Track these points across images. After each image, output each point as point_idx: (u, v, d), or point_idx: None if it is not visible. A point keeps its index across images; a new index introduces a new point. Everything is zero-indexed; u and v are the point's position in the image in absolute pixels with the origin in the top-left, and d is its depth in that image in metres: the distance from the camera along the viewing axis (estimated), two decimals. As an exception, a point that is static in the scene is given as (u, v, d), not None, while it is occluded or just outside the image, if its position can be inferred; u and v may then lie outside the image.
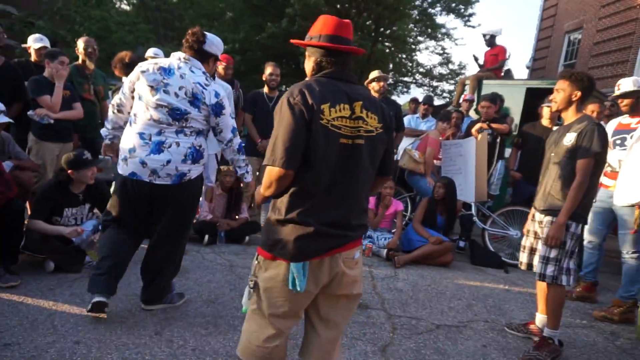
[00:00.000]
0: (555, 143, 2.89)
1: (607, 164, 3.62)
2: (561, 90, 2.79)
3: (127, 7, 16.92)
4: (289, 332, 1.75)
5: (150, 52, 4.90)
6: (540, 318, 3.02)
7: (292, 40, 1.96)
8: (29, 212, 3.33)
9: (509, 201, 5.71)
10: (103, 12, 13.21)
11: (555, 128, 4.75)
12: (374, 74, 5.22)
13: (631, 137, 3.48)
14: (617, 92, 3.62)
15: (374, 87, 5.21)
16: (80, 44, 4.57)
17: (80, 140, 4.45)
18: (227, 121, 2.65)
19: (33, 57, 4.73)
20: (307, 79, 1.70)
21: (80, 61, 4.59)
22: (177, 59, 2.60)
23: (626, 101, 3.59)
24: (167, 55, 3.21)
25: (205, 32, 2.67)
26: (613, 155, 3.63)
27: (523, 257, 3.04)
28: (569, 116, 2.84)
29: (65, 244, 3.21)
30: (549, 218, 2.80)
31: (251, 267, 1.74)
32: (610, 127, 3.80)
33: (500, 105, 6.10)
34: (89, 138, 4.63)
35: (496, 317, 3.32)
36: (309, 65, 1.76)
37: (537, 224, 2.92)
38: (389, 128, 1.77)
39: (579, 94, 2.74)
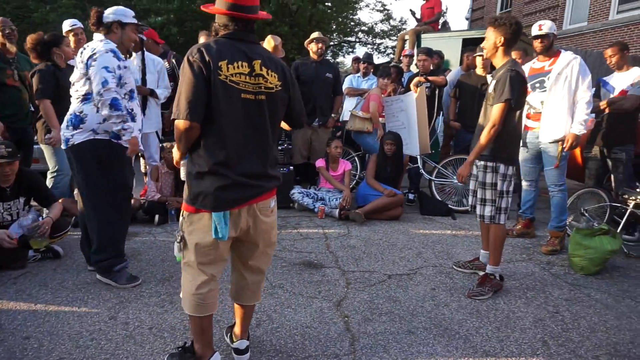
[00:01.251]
0: (487, 91, 3.01)
1: (529, 107, 3.83)
2: (488, 38, 2.88)
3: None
4: (219, 276, 1.95)
5: (66, 24, 4.56)
6: (483, 254, 3.26)
7: (202, 7, 2.01)
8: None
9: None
10: (18, -11, 12.13)
11: (489, 76, 4.93)
12: (313, 35, 5.17)
13: (548, 79, 3.67)
14: (538, 32, 3.73)
15: (312, 49, 5.17)
16: None
17: (8, 131, 4.18)
18: (96, 73, 2.64)
19: None
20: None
21: None
22: None
23: (545, 42, 3.72)
24: (88, 30, 3.12)
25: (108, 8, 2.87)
26: (535, 98, 3.81)
27: (470, 200, 3.23)
28: (497, 62, 2.94)
29: None
30: (480, 162, 2.99)
31: (179, 225, 1.90)
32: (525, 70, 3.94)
33: (440, 61, 6.22)
34: (19, 129, 4.35)
35: (444, 262, 3.52)
36: (215, 26, 1.86)
37: (476, 167, 3.08)
38: (289, 86, 1.92)
39: (502, 39, 2.82)
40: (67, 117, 2.78)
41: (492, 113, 2.84)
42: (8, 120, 4.17)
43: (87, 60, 2.68)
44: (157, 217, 4.20)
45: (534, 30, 3.73)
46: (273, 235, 2.01)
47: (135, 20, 2.94)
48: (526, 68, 3.93)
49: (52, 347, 2.19)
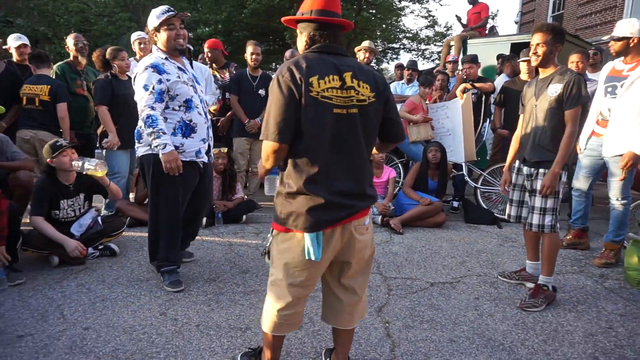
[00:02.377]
0: (535, 96, 2.91)
1: (598, 112, 3.65)
2: (543, 45, 2.78)
3: (105, -2, 16.59)
4: (306, 299, 1.89)
5: (134, 35, 4.93)
6: (530, 265, 3.17)
7: (283, 18, 1.95)
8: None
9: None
10: (80, 4, 12.99)
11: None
12: (364, 44, 5.23)
13: (622, 86, 3.42)
14: (612, 35, 3.48)
15: (359, 57, 5.23)
16: (70, 40, 4.65)
17: (76, 137, 4.52)
18: (136, 92, 2.76)
19: (15, 57, 4.77)
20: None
21: (71, 58, 4.68)
22: None
23: (617, 45, 3.46)
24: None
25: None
26: (604, 103, 3.58)
27: (511, 210, 3.14)
28: (548, 69, 2.86)
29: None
30: (542, 170, 2.84)
31: (266, 241, 1.89)
32: (604, 72, 3.70)
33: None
34: (85, 134, 4.71)
35: (488, 271, 3.44)
36: (301, 40, 1.81)
37: (526, 177, 2.97)
38: (382, 96, 1.80)
39: (560, 47, 2.79)
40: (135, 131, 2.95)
41: (567, 118, 2.76)
42: (76, 127, 4.54)
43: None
44: (204, 219, 4.37)
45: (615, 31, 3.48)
46: (367, 254, 1.88)
47: (164, 16, 2.73)
48: (608, 67, 3.71)
49: (109, 339, 2.34)
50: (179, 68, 2.84)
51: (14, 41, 4.71)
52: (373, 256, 1.94)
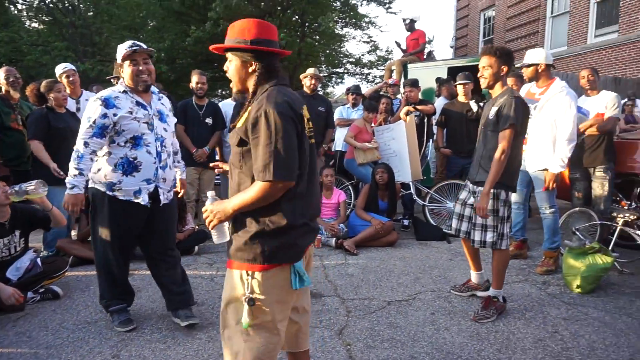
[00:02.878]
0: (484, 117, 3.07)
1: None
2: (488, 67, 2.91)
3: (37, 26, 15.94)
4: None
5: (59, 68, 4.72)
6: (475, 275, 3.38)
7: (212, 47, 1.81)
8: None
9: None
10: (11, 33, 12.38)
11: (472, 102, 5.10)
12: (309, 71, 5.35)
13: (534, 108, 3.77)
14: (523, 62, 3.88)
15: (305, 83, 5.34)
16: (1, 74, 4.39)
17: (12, 174, 4.25)
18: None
19: None
20: (265, 87, 1.69)
21: (3, 91, 4.40)
22: None
23: (528, 71, 3.85)
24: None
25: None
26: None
27: (453, 223, 3.27)
28: (496, 90, 3.00)
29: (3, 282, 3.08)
30: (480, 188, 2.96)
31: (237, 286, 1.69)
32: (521, 94, 4.07)
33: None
34: (22, 171, 4.42)
35: (442, 286, 3.56)
36: (233, 69, 1.73)
37: (471, 194, 3.12)
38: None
39: (505, 68, 2.92)
40: None
41: (500, 139, 2.85)
42: (12, 164, 4.27)
43: None
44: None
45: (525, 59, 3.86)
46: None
47: (126, 51, 2.61)
48: (524, 90, 4.05)
49: (56, 389, 2.18)
50: (138, 103, 2.69)
51: None
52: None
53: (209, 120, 4.96)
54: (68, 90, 4.45)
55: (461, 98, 5.23)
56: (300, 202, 1.68)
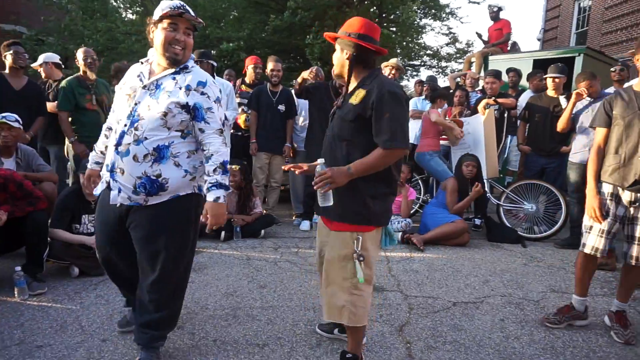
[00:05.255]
0: None
1: None
2: None
3: (132, 16, 17.11)
4: None
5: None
6: (578, 300, 2.80)
7: (326, 34, 2.22)
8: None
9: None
10: (109, 24, 13.40)
11: (562, 98, 4.67)
12: (392, 61, 5.21)
13: None
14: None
15: (384, 73, 5.22)
16: (80, 54, 4.67)
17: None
18: None
19: (43, 75, 4.93)
20: (375, 73, 2.05)
21: (81, 72, 4.68)
22: None
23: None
24: None
25: None
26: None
27: (599, 243, 2.63)
28: None
29: (87, 250, 3.33)
30: None
31: (346, 245, 2.00)
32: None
33: (518, 78, 6.04)
34: None
35: (514, 291, 3.32)
36: (341, 56, 2.08)
37: (627, 204, 2.58)
38: None
39: None
40: None
41: None
42: (87, 142, 4.61)
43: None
44: (223, 233, 4.36)
45: None
46: None
47: (168, 10, 1.98)
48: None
49: (125, 351, 2.32)
50: (139, 75, 2.09)
51: (42, 60, 4.93)
52: None
53: (281, 107, 5.01)
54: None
55: (550, 92, 4.81)
56: (399, 173, 2.08)
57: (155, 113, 1.98)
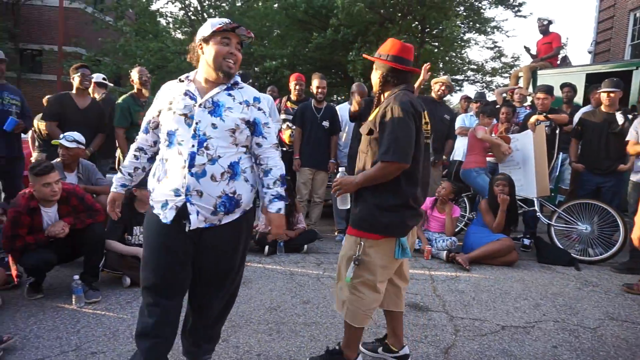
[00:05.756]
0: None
1: None
2: None
3: (180, 36, 17.91)
4: None
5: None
6: None
7: (364, 55, 2.69)
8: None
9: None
10: (160, 44, 14.08)
11: (618, 114, 4.47)
12: (442, 78, 5.30)
13: None
14: None
15: (434, 89, 5.25)
16: (135, 74, 4.93)
17: None
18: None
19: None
20: (395, 90, 2.20)
21: (135, 90, 4.94)
22: None
23: None
24: None
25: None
26: None
27: None
28: None
29: (138, 261, 3.46)
30: None
31: (351, 248, 2.17)
32: None
33: (573, 95, 5.85)
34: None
35: (567, 317, 3.16)
36: (375, 75, 2.29)
37: None
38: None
39: None
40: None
41: None
42: None
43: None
44: (267, 247, 4.42)
45: None
46: None
47: (220, 25, 1.97)
48: None
49: (174, 362, 2.38)
50: (186, 92, 2.01)
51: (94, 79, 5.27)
52: None
53: (325, 124, 5.07)
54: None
55: (605, 108, 4.61)
56: (415, 188, 2.13)
57: (224, 130, 1.96)
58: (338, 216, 5.32)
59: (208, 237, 2.00)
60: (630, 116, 4.48)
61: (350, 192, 2.22)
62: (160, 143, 2.05)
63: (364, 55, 2.61)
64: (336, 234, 5.25)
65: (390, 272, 2.24)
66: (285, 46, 14.44)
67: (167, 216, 1.96)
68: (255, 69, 14.95)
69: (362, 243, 2.12)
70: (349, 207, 2.28)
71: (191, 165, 1.91)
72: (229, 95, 2.04)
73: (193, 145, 1.92)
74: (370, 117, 2.21)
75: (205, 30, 2.00)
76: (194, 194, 1.93)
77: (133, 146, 2.18)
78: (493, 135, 5.14)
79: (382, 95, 2.28)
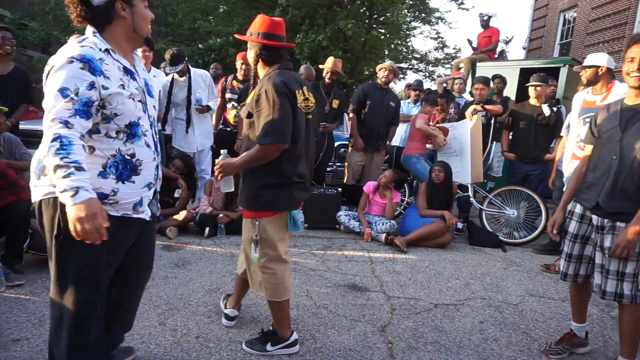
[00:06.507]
0: (621, 127, 2.22)
1: (579, 139, 3.69)
2: (634, 59, 2.16)
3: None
4: None
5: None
6: (577, 327, 2.61)
7: (235, 35, 2.61)
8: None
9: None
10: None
11: (544, 106, 4.78)
12: (387, 63, 5.29)
13: None
14: (582, 65, 3.80)
15: (379, 75, 5.27)
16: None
17: None
18: (46, 98, 1.54)
19: None
20: (269, 71, 2.20)
21: None
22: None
23: (588, 72, 3.73)
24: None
25: None
26: (584, 132, 3.65)
27: (568, 268, 2.46)
28: None
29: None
30: (620, 224, 2.17)
31: (249, 230, 2.26)
32: (576, 103, 3.87)
33: (503, 85, 6.13)
34: None
35: (493, 295, 3.39)
36: (250, 55, 2.26)
37: (595, 228, 2.30)
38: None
39: None
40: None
41: None
42: None
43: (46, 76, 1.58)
44: (207, 229, 4.33)
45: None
46: None
47: None
48: (579, 99, 3.86)
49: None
50: (126, 70, 1.70)
51: None
52: None
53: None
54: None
55: (533, 101, 4.91)
56: (295, 164, 2.19)
57: (155, 109, 1.89)
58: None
59: (148, 229, 1.92)
60: (555, 109, 4.81)
61: (231, 175, 2.24)
62: (103, 136, 1.64)
63: (236, 35, 2.57)
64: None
65: (286, 247, 2.35)
66: (231, 23, 14.02)
67: (147, 213, 1.83)
68: (200, 45, 14.41)
69: (257, 222, 2.20)
70: (232, 189, 2.36)
71: (158, 153, 1.84)
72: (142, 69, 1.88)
73: (153, 134, 1.83)
74: (248, 100, 2.23)
75: None
76: (158, 183, 1.89)
77: (72, 134, 1.50)
78: (431, 123, 5.33)
79: (254, 78, 2.32)
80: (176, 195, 4.56)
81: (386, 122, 5.30)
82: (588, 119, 3.63)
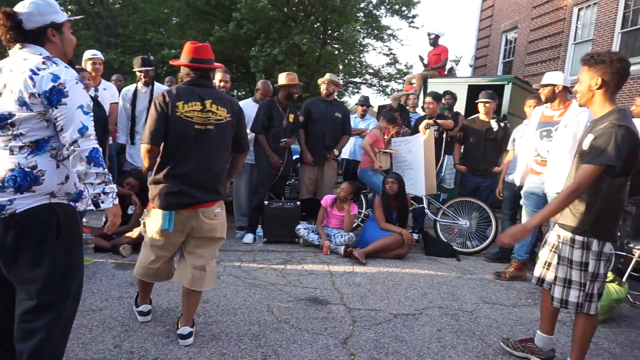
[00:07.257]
0: (579, 144, 2.34)
1: (536, 154, 3.92)
2: (581, 80, 2.30)
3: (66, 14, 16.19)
4: (166, 258, 2.61)
5: (87, 54, 4.79)
6: (541, 337, 2.66)
7: (170, 61, 3.02)
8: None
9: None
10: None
11: (493, 121, 5.06)
12: (327, 76, 5.34)
13: (556, 130, 3.74)
14: (541, 83, 3.97)
15: (321, 88, 5.34)
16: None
17: None
18: (70, 114, 1.73)
19: None
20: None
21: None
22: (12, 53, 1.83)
23: (545, 90, 3.91)
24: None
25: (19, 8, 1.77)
26: (542, 146, 3.90)
27: (537, 271, 2.59)
28: (596, 111, 2.31)
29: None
30: (567, 234, 2.34)
31: (144, 215, 2.61)
32: (535, 117, 4.07)
33: (454, 101, 6.40)
34: None
35: (449, 303, 3.50)
36: (182, 74, 2.56)
37: (556, 236, 2.45)
38: (237, 118, 2.60)
39: (599, 80, 2.22)
40: (3, 175, 1.73)
41: (579, 173, 2.20)
42: None
43: (48, 91, 1.70)
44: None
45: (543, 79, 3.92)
46: (218, 233, 2.59)
47: (66, 17, 1.91)
48: (538, 112, 4.06)
49: None
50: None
51: None
52: (223, 238, 2.66)
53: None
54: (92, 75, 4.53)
55: (482, 116, 5.18)
56: (167, 165, 2.44)
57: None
58: (239, 213, 5.25)
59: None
60: (502, 124, 5.09)
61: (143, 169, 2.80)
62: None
63: (171, 62, 3.08)
64: (236, 231, 5.18)
65: (161, 243, 2.53)
66: (185, 36, 13.82)
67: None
68: (151, 57, 14.08)
69: (146, 210, 2.59)
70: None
71: None
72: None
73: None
74: None
75: (55, 16, 1.83)
76: None
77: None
78: (385, 137, 5.47)
79: None
80: (129, 212, 4.40)
81: (333, 134, 5.29)
82: (545, 133, 3.87)
